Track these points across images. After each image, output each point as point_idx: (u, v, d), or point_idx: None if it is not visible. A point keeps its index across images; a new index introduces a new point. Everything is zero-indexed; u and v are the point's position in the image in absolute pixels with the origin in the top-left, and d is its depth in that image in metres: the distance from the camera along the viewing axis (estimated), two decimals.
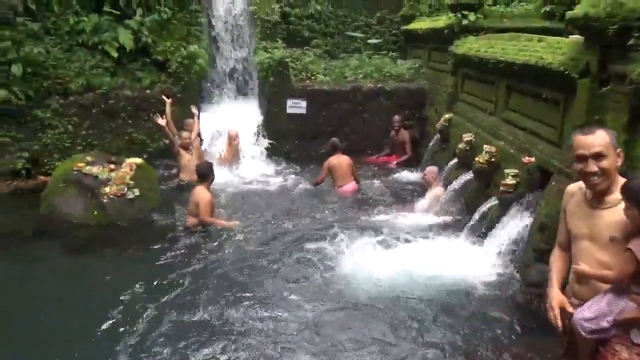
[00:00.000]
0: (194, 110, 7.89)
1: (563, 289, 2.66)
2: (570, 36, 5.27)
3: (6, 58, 7.12)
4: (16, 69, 7.12)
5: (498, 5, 9.23)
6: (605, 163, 2.37)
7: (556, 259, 2.75)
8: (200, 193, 5.85)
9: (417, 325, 4.03)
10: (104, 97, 7.94)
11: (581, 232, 2.51)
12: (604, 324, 2.34)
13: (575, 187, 2.65)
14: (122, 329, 3.95)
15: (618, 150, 2.43)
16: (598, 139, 2.38)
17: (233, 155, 8.36)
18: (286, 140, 9.00)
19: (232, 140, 8.27)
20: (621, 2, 3.53)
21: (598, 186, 2.40)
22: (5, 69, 7.13)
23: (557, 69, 4.45)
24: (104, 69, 8.13)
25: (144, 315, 4.13)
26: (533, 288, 4.35)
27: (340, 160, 7.40)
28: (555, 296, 2.57)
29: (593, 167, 2.37)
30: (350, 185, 7.40)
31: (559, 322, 2.50)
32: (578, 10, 3.96)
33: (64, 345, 3.80)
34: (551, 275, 2.70)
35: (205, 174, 5.94)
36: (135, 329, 3.96)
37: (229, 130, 8.32)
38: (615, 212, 2.37)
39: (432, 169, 6.88)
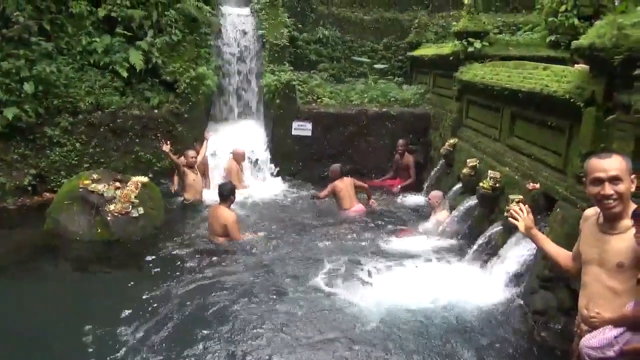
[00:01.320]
0: (207, 135, 8.07)
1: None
2: (575, 65, 5.34)
3: (19, 76, 7.25)
4: (28, 87, 7.24)
5: (504, 34, 9.37)
6: (621, 187, 2.39)
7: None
8: (225, 213, 6.05)
9: (417, 352, 3.97)
10: (112, 116, 8.05)
11: (591, 257, 2.53)
12: (610, 353, 2.32)
13: (592, 212, 2.68)
14: (122, 346, 3.92)
15: (632, 176, 2.44)
16: (615, 163, 2.41)
17: (239, 174, 8.40)
18: (291, 161, 9.05)
19: (239, 158, 8.33)
20: (626, 33, 3.58)
21: (613, 209, 2.43)
22: (18, 86, 7.26)
23: (562, 97, 4.49)
24: (114, 88, 8.26)
25: (144, 333, 4.11)
26: (537, 315, 4.30)
27: (344, 184, 7.47)
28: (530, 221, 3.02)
29: (609, 190, 2.39)
30: (357, 207, 7.46)
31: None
32: (584, 40, 4.01)
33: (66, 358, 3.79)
34: None
35: (228, 195, 6.14)
36: (135, 345, 3.94)
37: (236, 149, 8.38)
38: (624, 239, 2.38)
39: (436, 194, 6.88)
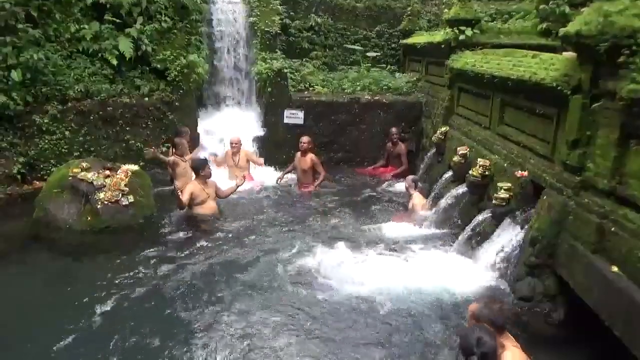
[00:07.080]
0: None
1: None
2: (564, 53, 5.33)
3: (6, 64, 7.14)
4: (15, 75, 7.15)
5: (496, 22, 9.32)
6: None
7: None
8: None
9: (404, 340, 4.03)
10: (102, 104, 7.98)
11: None
12: None
13: None
14: (112, 333, 3.97)
15: None
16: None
17: (237, 162, 8.37)
18: (283, 150, 9.03)
19: (233, 145, 8.30)
20: (612, 20, 3.57)
21: None
22: (5, 74, 7.16)
23: (550, 84, 4.49)
24: (103, 76, 8.19)
25: (134, 320, 4.15)
26: (523, 302, 4.34)
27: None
28: None
29: None
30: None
31: None
32: (571, 28, 4.00)
33: (55, 347, 3.81)
34: None
35: (197, 169, 6.56)
36: (125, 333, 3.98)
37: (231, 138, 8.35)
38: None
39: (408, 178, 7.08)
